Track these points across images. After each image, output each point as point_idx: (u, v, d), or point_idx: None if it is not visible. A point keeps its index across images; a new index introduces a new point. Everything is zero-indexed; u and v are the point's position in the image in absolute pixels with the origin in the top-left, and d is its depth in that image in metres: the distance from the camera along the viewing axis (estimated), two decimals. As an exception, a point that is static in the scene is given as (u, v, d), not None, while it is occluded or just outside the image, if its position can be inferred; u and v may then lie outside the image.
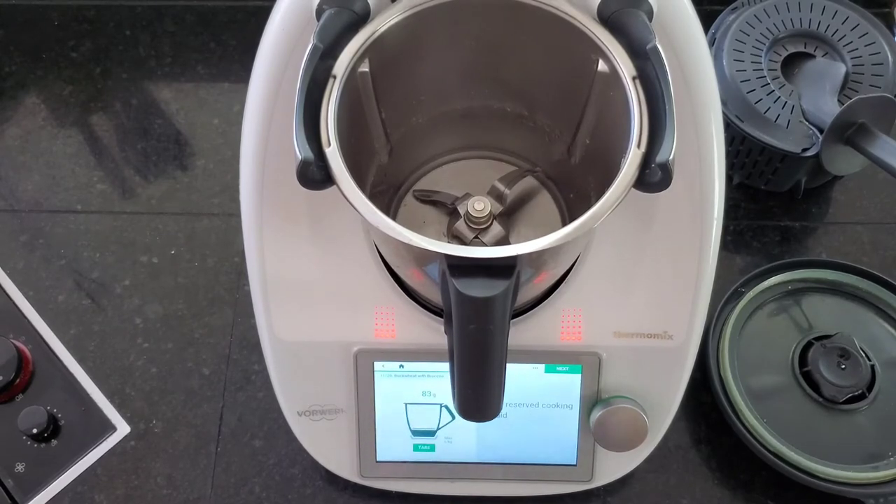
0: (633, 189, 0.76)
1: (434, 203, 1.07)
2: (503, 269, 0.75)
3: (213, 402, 1.30)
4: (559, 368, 1.06)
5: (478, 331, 0.77)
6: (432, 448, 1.12)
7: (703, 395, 1.26)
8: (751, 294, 1.28)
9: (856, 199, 1.43)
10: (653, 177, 0.74)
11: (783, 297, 1.31)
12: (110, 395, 1.30)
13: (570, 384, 1.07)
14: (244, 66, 1.44)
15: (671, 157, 0.73)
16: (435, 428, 1.10)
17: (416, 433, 1.11)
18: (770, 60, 1.37)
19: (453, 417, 1.09)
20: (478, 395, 0.85)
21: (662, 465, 1.11)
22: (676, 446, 1.16)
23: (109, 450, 1.27)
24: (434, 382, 1.07)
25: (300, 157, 0.74)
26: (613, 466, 1.12)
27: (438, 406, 1.10)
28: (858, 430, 1.21)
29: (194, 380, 1.32)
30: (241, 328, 1.34)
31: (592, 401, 1.07)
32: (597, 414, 1.05)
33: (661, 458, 1.12)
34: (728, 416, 1.21)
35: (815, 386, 1.23)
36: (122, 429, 1.28)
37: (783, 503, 1.24)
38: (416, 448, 1.12)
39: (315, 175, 0.75)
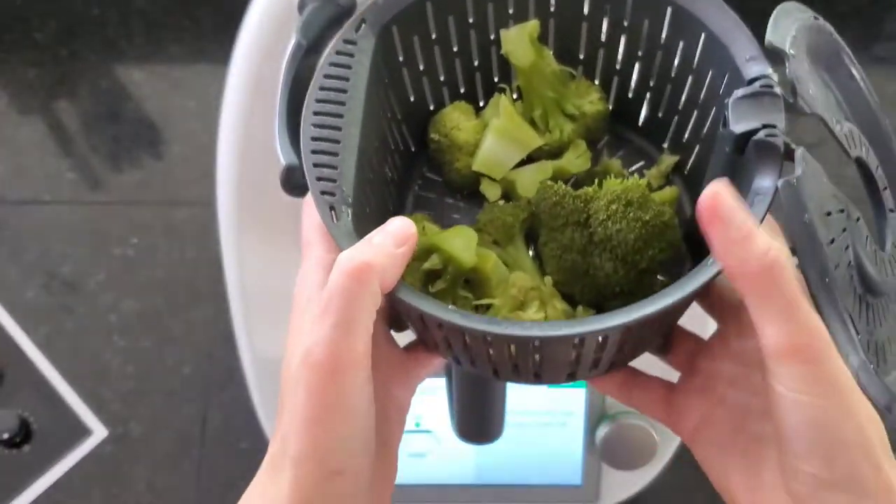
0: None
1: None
2: (503, 282, 0.70)
3: (196, 403, 1.25)
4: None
5: (478, 348, 0.72)
6: (426, 471, 1.07)
7: (716, 385, 1.20)
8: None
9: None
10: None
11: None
12: (85, 397, 1.25)
13: (574, 399, 1.02)
14: (221, 45, 1.39)
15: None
16: (429, 449, 1.06)
17: (408, 455, 1.06)
18: None
19: (448, 439, 1.03)
20: (479, 417, 0.82)
21: (675, 458, 1.07)
22: (688, 439, 1.11)
23: (86, 455, 1.22)
24: (428, 400, 1.02)
25: (284, 162, 0.68)
26: (621, 486, 1.08)
27: (434, 426, 1.06)
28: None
29: (175, 379, 1.27)
30: (223, 323, 1.28)
31: (598, 416, 1.02)
32: (603, 430, 1.01)
33: (674, 452, 1.07)
34: (742, 406, 1.15)
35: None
36: (99, 432, 1.23)
37: (803, 496, 1.18)
38: (410, 470, 1.06)
39: (300, 181, 0.68)
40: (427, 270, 0.61)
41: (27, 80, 1.48)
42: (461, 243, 0.61)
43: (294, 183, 0.71)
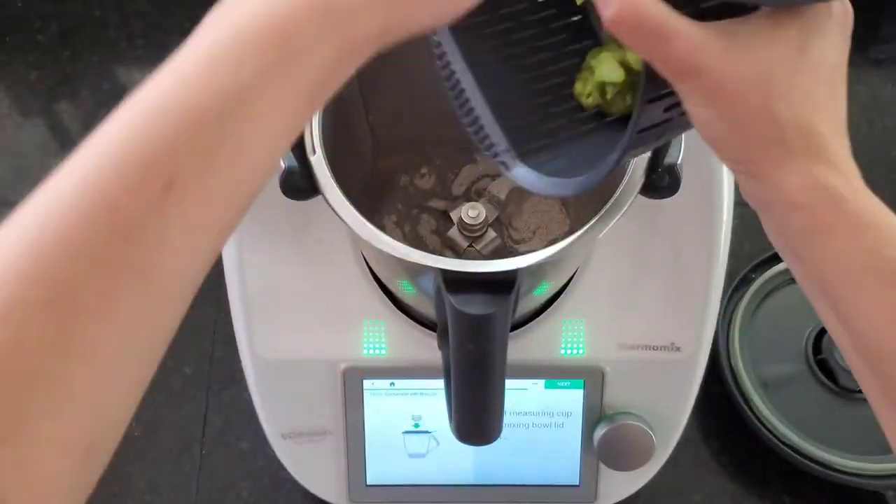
0: (638, 195, 0.73)
1: (425, 209, 1.02)
2: (502, 283, 0.71)
3: (197, 403, 1.25)
4: (560, 384, 1.01)
5: (476, 350, 0.73)
6: (425, 471, 1.07)
7: (714, 385, 1.21)
8: (761, 280, 1.24)
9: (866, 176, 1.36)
10: (660, 182, 0.72)
11: (795, 281, 1.25)
12: (86, 398, 1.24)
13: (571, 400, 1.02)
14: (221, 47, 1.39)
15: (679, 160, 0.71)
16: (429, 450, 1.06)
17: (408, 455, 1.06)
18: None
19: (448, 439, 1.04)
20: (477, 417, 0.82)
21: (672, 460, 1.07)
22: (686, 440, 1.11)
23: (87, 455, 1.21)
24: (428, 401, 1.02)
25: (283, 165, 0.71)
26: (618, 486, 1.08)
27: (433, 427, 1.05)
28: (876, 420, 1.16)
29: (175, 379, 1.27)
30: (224, 324, 1.28)
31: (596, 417, 1.03)
32: (601, 431, 1.01)
33: (671, 453, 1.07)
34: (740, 407, 1.17)
35: (830, 374, 1.19)
36: (100, 432, 1.22)
37: (799, 497, 1.20)
38: (409, 471, 1.06)
39: (299, 184, 0.72)
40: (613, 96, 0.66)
41: (28, 81, 1.48)
42: (606, 68, 0.65)
43: (293, 185, 0.72)
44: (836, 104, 0.54)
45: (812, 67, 0.52)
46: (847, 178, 0.53)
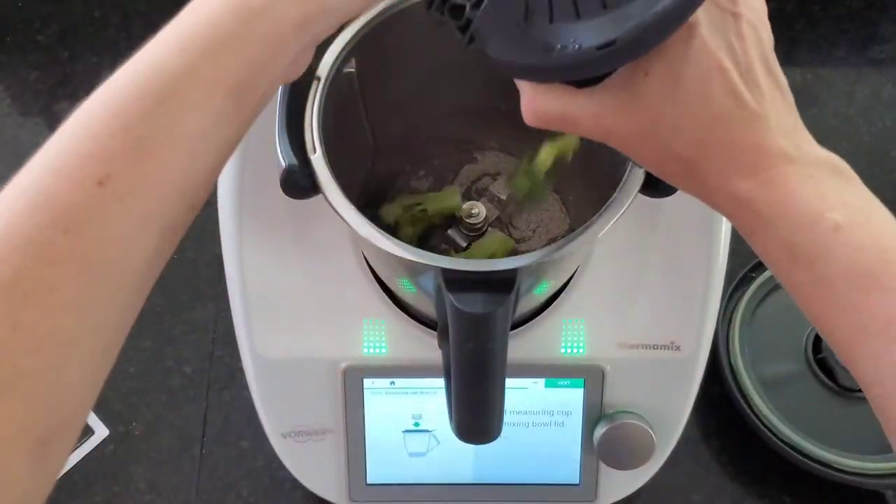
0: (638, 194, 0.73)
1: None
2: (503, 282, 0.71)
3: (197, 402, 1.25)
4: (560, 383, 1.01)
5: (476, 349, 0.73)
6: (426, 470, 1.06)
7: (713, 385, 1.21)
8: (761, 278, 1.23)
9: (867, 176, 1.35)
10: (660, 180, 0.71)
11: (795, 281, 1.24)
12: (87, 398, 1.23)
13: (571, 399, 1.02)
14: (220, 46, 1.39)
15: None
16: (429, 448, 1.05)
17: (408, 454, 1.06)
18: None
19: (448, 438, 1.04)
20: (477, 416, 0.81)
21: (672, 459, 1.06)
22: (686, 439, 1.11)
23: (87, 454, 1.21)
24: (428, 400, 1.02)
25: (284, 164, 0.71)
26: (619, 485, 1.08)
27: (433, 426, 1.05)
28: (875, 419, 1.16)
29: (175, 379, 1.26)
30: (224, 323, 1.28)
31: (596, 416, 1.03)
32: (601, 430, 1.01)
33: (671, 452, 1.07)
34: (739, 406, 1.17)
35: (829, 373, 1.19)
36: (101, 432, 1.23)
37: (799, 496, 1.20)
38: (409, 470, 1.06)
39: (300, 183, 0.72)
40: None
41: (28, 81, 1.47)
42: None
43: (294, 184, 0.72)
44: (750, 103, 0.55)
45: (696, 91, 0.54)
46: (759, 177, 0.56)
